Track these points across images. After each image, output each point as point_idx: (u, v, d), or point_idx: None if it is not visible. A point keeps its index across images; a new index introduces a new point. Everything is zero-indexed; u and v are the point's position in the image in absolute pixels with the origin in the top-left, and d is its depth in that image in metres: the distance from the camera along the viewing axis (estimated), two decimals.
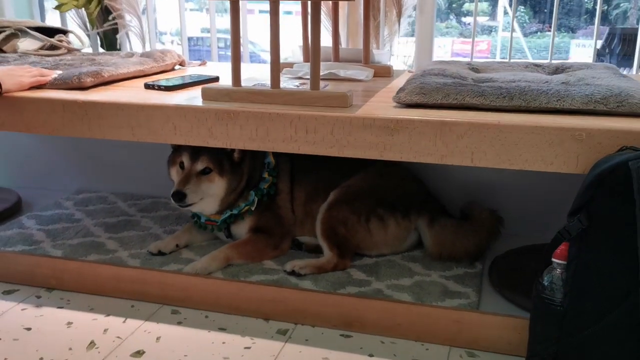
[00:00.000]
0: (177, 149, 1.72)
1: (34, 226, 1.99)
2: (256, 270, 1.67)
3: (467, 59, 1.98)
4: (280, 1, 1.36)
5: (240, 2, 1.41)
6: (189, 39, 2.39)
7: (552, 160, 1.23)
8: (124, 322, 1.57)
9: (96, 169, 2.32)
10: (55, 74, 1.62)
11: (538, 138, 1.23)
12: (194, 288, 1.61)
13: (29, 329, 1.53)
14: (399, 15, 2.11)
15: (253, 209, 1.75)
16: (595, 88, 1.32)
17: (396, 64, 2.18)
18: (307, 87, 1.49)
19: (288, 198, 1.81)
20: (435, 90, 1.36)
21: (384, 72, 1.85)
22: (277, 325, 1.55)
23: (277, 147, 1.39)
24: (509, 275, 1.60)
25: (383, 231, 1.72)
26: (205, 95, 1.47)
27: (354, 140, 1.33)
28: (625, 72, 1.78)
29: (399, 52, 2.18)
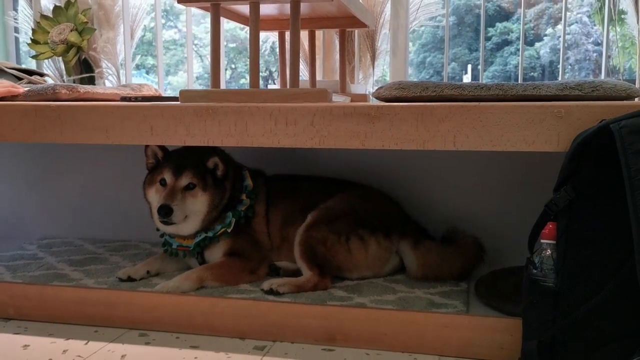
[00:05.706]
0: (156, 168, 1.68)
1: None
2: (231, 291, 1.57)
3: None
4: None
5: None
6: None
7: (533, 140, 1.23)
8: (85, 344, 1.44)
9: (61, 216, 2.23)
10: (28, 87, 1.60)
11: (519, 117, 1.23)
12: (164, 307, 1.50)
13: None
14: (373, 59, 2.18)
15: (229, 230, 1.68)
16: (569, 80, 1.35)
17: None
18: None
19: (264, 222, 1.75)
20: (414, 85, 1.38)
21: (361, 100, 1.87)
22: (253, 343, 1.44)
23: (256, 142, 1.36)
24: (495, 288, 1.54)
25: (364, 251, 1.66)
26: (184, 97, 1.46)
27: (334, 130, 1.32)
28: None
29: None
